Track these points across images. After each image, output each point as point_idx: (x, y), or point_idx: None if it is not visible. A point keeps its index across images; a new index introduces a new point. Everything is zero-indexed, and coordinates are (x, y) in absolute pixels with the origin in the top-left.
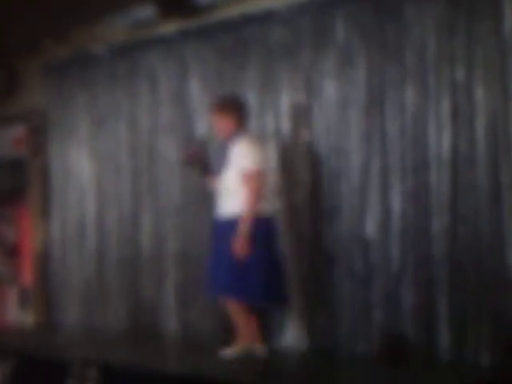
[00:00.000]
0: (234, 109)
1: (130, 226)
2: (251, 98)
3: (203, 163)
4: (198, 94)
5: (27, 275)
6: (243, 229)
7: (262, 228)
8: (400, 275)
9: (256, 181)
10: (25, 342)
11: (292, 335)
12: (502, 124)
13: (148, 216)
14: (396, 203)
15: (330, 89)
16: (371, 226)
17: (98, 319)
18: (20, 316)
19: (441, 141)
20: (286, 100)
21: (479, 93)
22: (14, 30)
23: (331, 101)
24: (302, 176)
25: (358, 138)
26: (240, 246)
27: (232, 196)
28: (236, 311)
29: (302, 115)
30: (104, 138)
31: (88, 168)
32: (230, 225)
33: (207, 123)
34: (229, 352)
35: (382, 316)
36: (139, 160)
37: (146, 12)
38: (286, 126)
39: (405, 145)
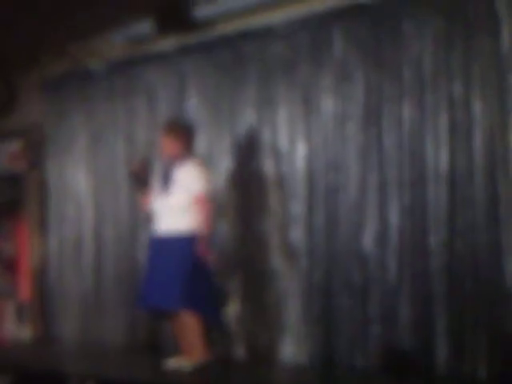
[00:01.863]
0: (181, 132)
1: (128, 241)
2: (249, 113)
3: (143, 180)
4: (197, 109)
5: (24, 289)
6: (205, 238)
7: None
8: (398, 289)
9: (206, 201)
10: (22, 357)
11: (289, 349)
12: (500, 139)
13: (145, 231)
14: (394, 217)
15: (327, 104)
16: (369, 240)
17: (95, 333)
18: (17, 330)
19: (438, 155)
20: (283, 115)
21: (477, 108)
22: (12, 44)
23: (329, 116)
24: (300, 191)
25: (356, 152)
26: (203, 250)
27: (178, 215)
28: (189, 323)
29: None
30: (101, 153)
31: (85, 183)
32: (178, 241)
33: (206, 138)
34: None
35: (379, 330)
36: None
37: (144, 28)
38: (283, 140)
39: (402, 159)
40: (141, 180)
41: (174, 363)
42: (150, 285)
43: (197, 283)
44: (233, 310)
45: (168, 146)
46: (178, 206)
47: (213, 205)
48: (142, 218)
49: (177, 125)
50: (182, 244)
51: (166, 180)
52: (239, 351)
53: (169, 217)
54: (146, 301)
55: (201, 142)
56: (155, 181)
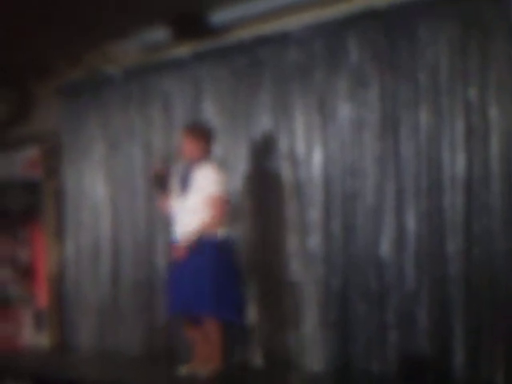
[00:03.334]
0: (201, 135)
1: (145, 248)
2: (265, 119)
3: (164, 183)
4: (213, 116)
5: (42, 297)
6: (191, 238)
7: (226, 249)
8: (415, 295)
9: (220, 206)
10: (40, 364)
11: (307, 356)
12: None
13: (163, 238)
14: (411, 224)
15: (343, 110)
16: (386, 247)
17: (112, 341)
18: (35, 338)
19: (455, 161)
20: (299, 121)
21: (493, 113)
22: (28, 52)
23: (345, 122)
24: (317, 197)
25: (373, 158)
26: (180, 252)
27: (194, 218)
28: (215, 330)
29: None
30: (118, 160)
31: (102, 190)
32: (200, 245)
33: (222, 144)
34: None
35: (397, 336)
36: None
37: (160, 34)
38: (300, 146)
39: (419, 166)
40: (162, 184)
41: (188, 370)
42: (174, 291)
43: (225, 288)
44: (250, 316)
45: (188, 148)
46: (196, 208)
47: (228, 209)
48: (159, 224)
49: (197, 127)
50: (207, 247)
51: (185, 183)
52: (256, 357)
53: (187, 220)
54: (178, 306)
55: (217, 148)
56: (174, 184)
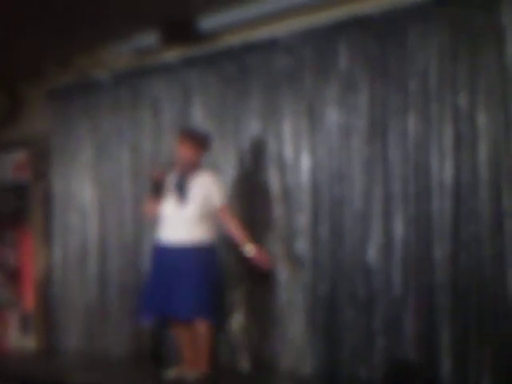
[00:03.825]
0: (197, 141)
1: (132, 251)
2: (254, 125)
3: (160, 188)
4: (201, 121)
5: (29, 299)
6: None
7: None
8: (402, 301)
9: (230, 211)
10: (26, 367)
11: (293, 361)
12: (505, 151)
13: (150, 241)
14: (398, 230)
15: (332, 116)
16: (373, 253)
17: (99, 344)
18: (21, 340)
19: (443, 168)
20: (288, 126)
21: (482, 120)
22: (18, 55)
23: (334, 128)
24: (304, 203)
25: (361, 164)
26: (262, 259)
27: (194, 225)
28: (204, 334)
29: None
30: (106, 164)
31: (90, 193)
32: (196, 251)
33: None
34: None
35: (384, 342)
36: (141, 186)
37: (150, 39)
38: (288, 151)
39: (407, 172)
40: (158, 189)
41: (176, 373)
42: (160, 294)
43: (213, 292)
44: (237, 320)
45: (184, 154)
46: (195, 216)
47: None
48: (146, 227)
49: (194, 133)
50: (201, 254)
51: (181, 190)
52: (243, 362)
53: (184, 227)
54: (156, 310)
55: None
56: (169, 190)
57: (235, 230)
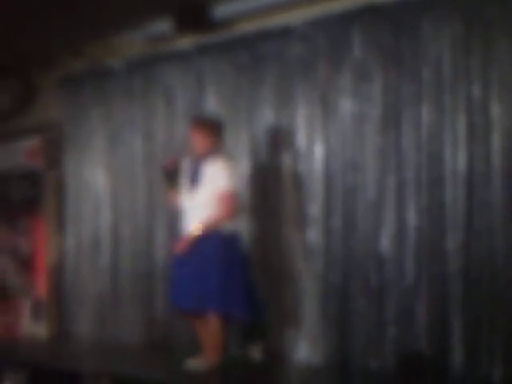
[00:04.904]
0: (212, 128)
1: (145, 239)
2: (267, 113)
3: (175, 177)
4: (214, 108)
5: (41, 287)
6: (195, 233)
7: (235, 245)
8: (414, 290)
9: (229, 201)
10: (38, 354)
11: (305, 350)
12: None
13: (162, 229)
14: (411, 219)
15: (345, 104)
16: (386, 242)
17: (111, 331)
18: (33, 328)
19: (456, 157)
20: (301, 115)
21: (495, 110)
22: (31, 43)
23: (347, 116)
24: (317, 191)
25: (374, 153)
26: (182, 246)
27: (204, 213)
28: (215, 325)
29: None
30: (119, 152)
31: (103, 181)
32: (206, 240)
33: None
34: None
35: (395, 331)
36: (154, 174)
37: (163, 27)
38: (301, 140)
39: (420, 161)
40: (172, 178)
41: (194, 363)
42: (182, 284)
43: (232, 283)
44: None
45: (199, 141)
46: (206, 203)
47: (236, 204)
48: (159, 215)
49: (207, 121)
50: (213, 242)
51: (195, 178)
52: (255, 352)
53: (197, 214)
54: (182, 301)
55: None
56: (184, 179)
57: (213, 214)
